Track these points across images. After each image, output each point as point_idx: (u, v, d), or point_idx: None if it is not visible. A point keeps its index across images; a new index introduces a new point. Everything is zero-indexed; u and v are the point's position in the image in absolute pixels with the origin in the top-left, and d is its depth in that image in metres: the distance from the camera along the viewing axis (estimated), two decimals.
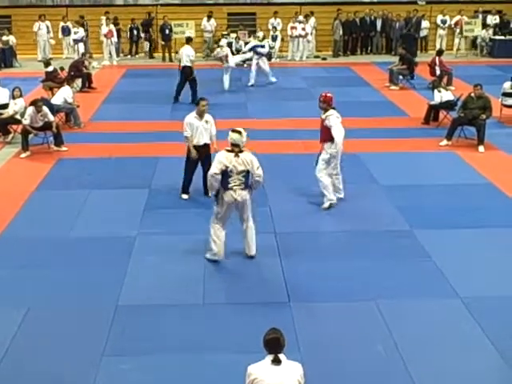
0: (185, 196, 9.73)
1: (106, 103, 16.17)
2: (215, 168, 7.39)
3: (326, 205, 9.17)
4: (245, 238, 7.83)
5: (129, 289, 7.23)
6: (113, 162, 11.51)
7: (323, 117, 9.19)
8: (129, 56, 22.60)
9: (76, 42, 21.34)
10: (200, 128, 9.38)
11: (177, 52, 22.44)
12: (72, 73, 16.49)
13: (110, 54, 21.46)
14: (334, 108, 9.22)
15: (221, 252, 7.72)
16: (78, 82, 16.95)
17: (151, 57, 22.40)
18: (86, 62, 17.78)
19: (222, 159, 7.41)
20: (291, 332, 6.11)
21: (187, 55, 15.73)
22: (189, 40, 16.45)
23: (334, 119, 9.09)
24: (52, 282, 7.39)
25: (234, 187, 7.42)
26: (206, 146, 9.53)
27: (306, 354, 5.88)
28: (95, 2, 23.40)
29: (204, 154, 9.53)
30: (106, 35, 21.15)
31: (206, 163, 9.29)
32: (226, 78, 17.25)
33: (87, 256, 8.01)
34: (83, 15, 22.00)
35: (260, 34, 19.79)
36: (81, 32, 21.37)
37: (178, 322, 6.60)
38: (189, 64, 15.73)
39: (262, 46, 17.99)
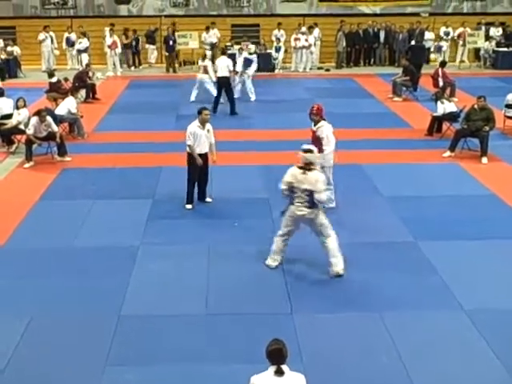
0: (189, 206, 9.78)
1: (110, 114, 16.23)
2: (282, 183, 7.53)
3: None
4: (327, 256, 7.72)
5: (132, 299, 7.22)
6: (117, 172, 11.53)
7: (314, 128, 9.36)
8: (133, 68, 22.68)
9: (80, 52, 21.48)
10: (202, 137, 9.63)
11: (180, 63, 22.67)
12: (76, 83, 16.57)
13: (114, 64, 21.57)
14: (324, 119, 9.41)
15: (276, 263, 7.85)
16: (82, 93, 17.02)
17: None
18: (90, 73, 17.86)
19: (289, 175, 7.50)
20: (294, 343, 6.10)
21: (225, 66, 15.88)
22: (224, 51, 16.74)
23: (326, 130, 9.25)
24: (55, 291, 7.39)
25: (297, 204, 7.46)
26: (206, 154, 9.80)
27: (308, 365, 5.85)
28: (99, 13, 23.50)
29: (204, 163, 9.78)
30: (110, 46, 21.26)
31: (205, 172, 9.88)
32: (196, 90, 17.09)
33: (91, 265, 8.01)
34: (83, 26, 22.07)
35: (251, 46, 19.70)
36: (84, 42, 21.52)
37: (180, 333, 6.59)
38: (226, 74, 15.90)
39: (250, 60, 17.61)
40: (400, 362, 6.07)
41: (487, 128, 12.22)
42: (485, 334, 6.53)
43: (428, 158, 12.38)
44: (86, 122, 14.09)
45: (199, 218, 9.43)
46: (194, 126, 9.62)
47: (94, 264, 8.05)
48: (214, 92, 16.42)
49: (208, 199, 10.04)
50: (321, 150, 8.93)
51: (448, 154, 12.40)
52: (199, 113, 9.70)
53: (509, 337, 6.51)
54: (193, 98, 17.06)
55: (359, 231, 8.81)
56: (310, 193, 7.39)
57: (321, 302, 7.13)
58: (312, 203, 7.44)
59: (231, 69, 16.16)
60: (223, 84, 15.98)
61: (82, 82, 17.08)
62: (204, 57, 17.67)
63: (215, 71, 16.24)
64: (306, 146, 7.64)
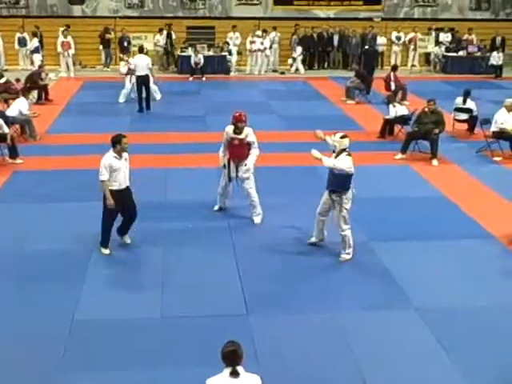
0: (105, 251, 8.29)
1: (63, 115, 15.98)
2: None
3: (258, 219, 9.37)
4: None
5: (85, 303, 7.13)
6: (69, 174, 11.36)
7: (242, 136, 9.21)
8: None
9: (32, 52, 21.10)
10: (122, 169, 8.09)
11: None
12: (28, 84, 16.27)
13: (68, 65, 21.25)
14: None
15: (316, 238, 8.59)
16: (34, 94, 16.71)
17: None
18: (43, 74, 17.56)
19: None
20: (250, 344, 6.13)
21: (145, 64, 16.03)
22: (142, 49, 16.73)
23: (253, 134, 9.32)
24: (5, 296, 7.25)
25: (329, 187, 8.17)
26: (128, 188, 8.29)
27: (264, 366, 5.90)
28: (52, 13, 23.11)
29: (128, 198, 8.29)
30: (62, 46, 20.94)
31: (132, 208, 8.34)
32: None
33: (42, 270, 7.87)
34: (38, 26, 21.75)
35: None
36: (35, 42, 21.14)
37: (134, 337, 6.54)
38: (146, 72, 16.05)
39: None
40: (355, 363, 6.15)
41: (437, 131, 12.52)
42: (434, 330, 6.69)
43: (380, 159, 12.61)
44: (38, 124, 13.85)
45: (153, 222, 9.36)
46: (109, 158, 8.02)
47: (46, 268, 7.92)
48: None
49: (127, 239, 8.54)
50: (247, 155, 9.24)
51: (400, 156, 12.66)
52: (117, 142, 8.04)
53: (459, 334, 6.69)
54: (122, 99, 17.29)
55: (311, 231, 8.88)
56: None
57: (275, 304, 7.19)
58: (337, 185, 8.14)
59: (150, 67, 16.22)
60: (143, 82, 16.08)
61: (34, 83, 16.78)
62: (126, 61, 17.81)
63: (134, 70, 16.25)
64: (342, 133, 8.18)
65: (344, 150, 8.09)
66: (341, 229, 8.19)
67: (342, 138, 8.12)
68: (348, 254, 8.27)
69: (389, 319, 6.97)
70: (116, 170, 8.03)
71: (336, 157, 8.08)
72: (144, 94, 16.24)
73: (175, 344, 6.42)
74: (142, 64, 16.03)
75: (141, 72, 15.99)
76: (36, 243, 8.60)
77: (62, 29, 21.19)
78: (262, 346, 6.35)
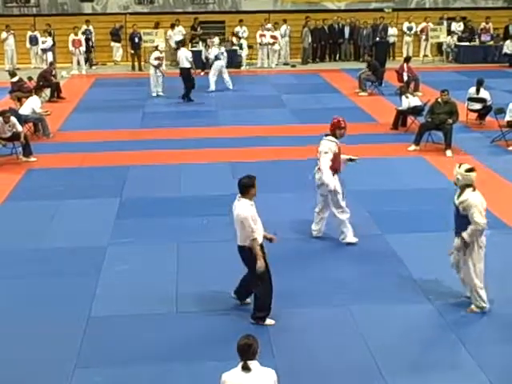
0: (271, 321, 6.65)
1: (75, 113, 16.05)
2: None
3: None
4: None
5: (101, 299, 7.16)
6: (83, 172, 11.42)
7: (339, 144, 8.39)
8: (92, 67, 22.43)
9: (44, 51, 21.20)
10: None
11: (145, 61, 22.50)
12: (40, 82, 16.34)
13: (79, 63, 21.33)
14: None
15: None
16: (47, 92, 16.79)
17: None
18: (55, 72, 17.63)
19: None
20: (265, 338, 6.13)
21: (184, 57, 16.70)
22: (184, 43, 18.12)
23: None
24: (22, 293, 7.29)
25: None
26: None
27: (280, 361, 5.90)
28: (63, 11, 23.19)
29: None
30: (73, 44, 21.01)
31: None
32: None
33: (58, 267, 7.92)
34: (50, 24, 21.84)
35: (215, 39, 19.87)
36: (49, 41, 21.26)
37: (150, 332, 6.56)
38: (187, 65, 16.74)
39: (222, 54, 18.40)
40: (371, 357, 6.12)
41: (451, 121, 12.43)
42: (452, 326, 6.64)
43: (393, 151, 12.53)
44: (51, 122, 13.92)
45: (167, 217, 9.39)
46: (250, 208, 6.42)
47: (61, 265, 7.96)
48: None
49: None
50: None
51: (413, 147, 12.57)
52: (251, 186, 6.44)
53: (474, 325, 6.66)
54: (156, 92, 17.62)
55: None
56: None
57: (290, 297, 7.17)
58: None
59: (190, 60, 16.80)
60: (182, 75, 16.78)
61: (47, 81, 16.85)
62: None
63: (177, 63, 17.03)
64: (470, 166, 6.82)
65: (469, 185, 6.74)
66: None
67: (467, 171, 6.73)
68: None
69: (403, 312, 6.93)
70: (256, 221, 6.51)
71: (460, 194, 6.73)
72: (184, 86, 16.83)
73: (192, 339, 6.43)
74: (183, 57, 16.78)
75: (182, 65, 16.81)
76: (51, 240, 8.65)
77: (84, 26, 21.76)
78: (278, 340, 6.34)
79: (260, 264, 6.38)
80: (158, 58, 17.48)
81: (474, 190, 6.72)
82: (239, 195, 6.46)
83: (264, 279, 6.51)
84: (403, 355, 6.16)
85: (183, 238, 8.66)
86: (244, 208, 6.33)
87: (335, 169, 8.26)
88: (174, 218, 9.33)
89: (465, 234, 6.63)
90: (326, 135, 8.34)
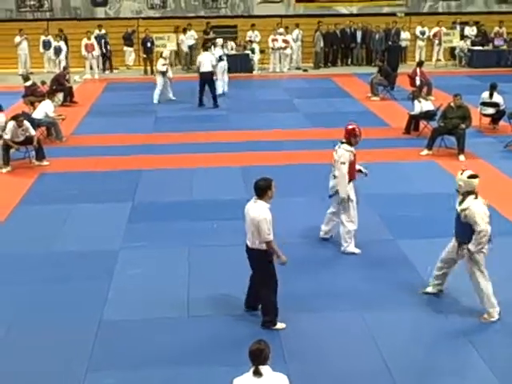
0: (282, 325, 6.66)
1: (88, 117, 16.13)
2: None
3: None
4: None
5: (112, 303, 7.18)
6: (95, 176, 11.47)
7: (355, 150, 8.28)
8: (107, 72, 22.51)
9: (57, 55, 21.34)
10: None
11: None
12: (54, 86, 16.45)
13: (92, 67, 21.45)
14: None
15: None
16: (60, 96, 16.88)
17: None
18: (68, 76, 17.74)
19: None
20: (277, 343, 6.12)
21: (209, 61, 16.68)
22: (207, 47, 17.87)
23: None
24: (34, 298, 7.33)
25: None
26: None
27: (292, 366, 5.88)
28: (76, 15, 23.34)
29: None
30: (86, 49, 21.14)
31: None
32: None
33: (71, 271, 7.95)
34: (62, 29, 21.98)
35: (218, 40, 19.79)
36: (62, 45, 21.39)
37: (162, 336, 6.57)
38: (210, 69, 16.60)
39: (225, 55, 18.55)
40: (383, 361, 6.10)
41: (464, 126, 12.36)
42: (464, 331, 6.60)
43: (406, 156, 12.48)
44: (64, 126, 14.00)
45: (179, 221, 9.40)
46: (268, 211, 6.38)
47: (74, 269, 7.99)
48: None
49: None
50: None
51: (426, 152, 12.52)
52: (268, 187, 6.46)
53: (486, 331, 6.62)
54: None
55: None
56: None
57: (302, 302, 7.15)
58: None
59: (214, 64, 16.74)
60: (206, 79, 16.50)
61: (60, 85, 16.96)
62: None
63: (198, 67, 16.78)
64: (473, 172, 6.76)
65: (471, 192, 6.67)
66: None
67: (470, 177, 6.67)
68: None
69: (415, 318, 6.90)
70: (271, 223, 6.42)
71: (461, 201, 6.69)
72: (208, 90, 16.66)
73: (203, 343, 6.42)
74: (206, 61, 16.56)
75: (205, 69, 16.47)
76: (63, 244, 8.69)
77: (97, 31, 21.87)
78: (289, 344, 6.32)
79: (284, 258, 6.43)
80: (164, 65, 17.40)
81: (477, 197, 6.63)
82: (255, 197, 6.43)
83: (270, 283, 6.51)
84: (415, 360, 6.14)
85: (194, 242, 8.67)
86: (262, 210, 6.31)
87: (350, 177, 8.21)
88: (185, 222, 9.34)
89: (471, 246, 6.58)
90: (342, 143, 8.27)
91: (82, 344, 6.41)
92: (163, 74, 17.33)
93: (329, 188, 8.42)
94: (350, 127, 8.25)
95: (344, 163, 8.07)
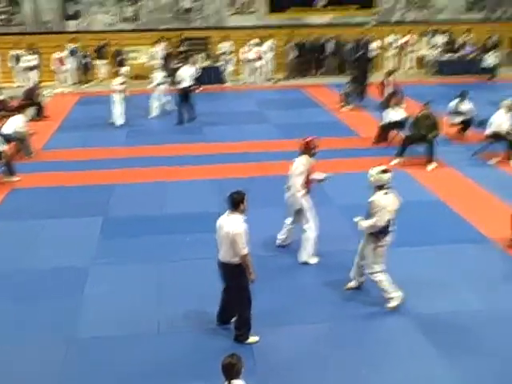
0: (255, 338, 6.71)
1: (59, 132, 16.01)
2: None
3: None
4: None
5: (83, 321, 7.15)
6: (67, 191, 11.40)
7: (314, 161, 8.41)
8: (84, 85, 22.44)
9: (29, 69, 21.19)
10: None
11: (132, 78, 22.57)
12: (25, 101, 16.32)
13: (65, 80, 21.34)
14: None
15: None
16: (31, 111, 16.75)
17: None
18: (39, 90, 17.62)
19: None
20: (249, 356, 6.14)
21: (189, 75, 16.31)
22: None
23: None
24: (2, 317, 7.26)
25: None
26: None
27: (264, 379, 5.91)
28: (47, 29, 23.21)
29: None
30: (57, 63, 21.02)
31: None
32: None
33: (40, 288, 7.89)
34: (33, 43, 21.86)
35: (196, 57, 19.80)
36: (33, 59, 21.24)
37: (135, 352, 6.56)
38: (190, 84, 16.38)
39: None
40: (356, 371, 6.17)
41: (433, 134, 12.54)
42: (433, 337, 6.70)
43: (376, 165, 12.55)
44: (34, 141, 13.89)
45: (151, 235, 9.38)
46: (243, 224, 6.42)
47: (43, 286, 7.93)
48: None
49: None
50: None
51: (396, 160, 12.65)
52: (241, 201, 6.47)
53: (453, 338, 6.73)
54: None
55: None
56: None
57: (271, 316, 7.19)
58: None
59: (195, 76, 16.64)
60: (186, 94, 16.28)
61: (31, 100, 16.84)
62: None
63: (178, 82, 16.30)
64: (385, 167, 7.14)
65: (381, 186, 7.09)
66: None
67: (380, 172, 7.10)
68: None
69: (385, 326, 6.98)
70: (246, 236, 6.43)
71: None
72: (186, 105, 16.37)
73: (175, 358, 6.42)
74: (186, 75, 16.22)
75: (186, 84, 16.17)
76: (34, 261, 8.63)
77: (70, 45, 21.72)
78: (262, 358, 6.35)
79: (254, 275, 6.41)
80: (123, 83, 16.62)
81: (387, 193, 6.97)
82: (229, 211, 6.42)
83: (245, 296, 6.53)
84: (387, 369, 6.20)
85: (166, 257, 8.67)
86: (237, 223, 6.29)
87: (307, 188, 8.31)
88: (157, 236, 9.33)
89: (362, 222, 7.07)
90: (300, 154, 8.34)
91: (52, 363, 6.37)
92: (121, 92, 16.47)
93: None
94: (306, 140, 8.33)
95: (299, 175, 8.16)
